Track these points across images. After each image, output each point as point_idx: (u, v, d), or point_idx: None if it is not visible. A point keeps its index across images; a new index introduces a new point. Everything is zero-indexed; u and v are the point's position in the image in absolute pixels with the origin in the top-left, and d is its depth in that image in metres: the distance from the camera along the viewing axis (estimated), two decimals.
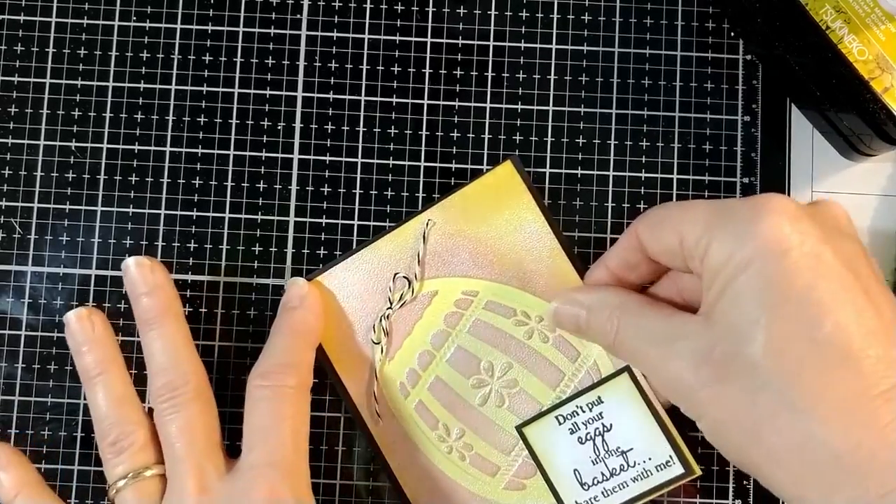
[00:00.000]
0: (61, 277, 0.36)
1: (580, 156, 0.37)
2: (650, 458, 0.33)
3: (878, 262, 0.29)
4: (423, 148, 0.37)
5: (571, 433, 0.33)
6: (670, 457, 0.32)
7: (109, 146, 0.37)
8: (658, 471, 0.32)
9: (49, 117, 0.37)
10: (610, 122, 0.37)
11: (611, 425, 0.33)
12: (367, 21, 0.38)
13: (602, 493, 0.33)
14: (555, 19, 0.38)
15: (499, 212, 0.35)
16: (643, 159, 0.37)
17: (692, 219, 0.28)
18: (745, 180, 0.37)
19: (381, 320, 0.35)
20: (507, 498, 0.34)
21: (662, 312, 0.30)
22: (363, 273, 0.35)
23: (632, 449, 0.33)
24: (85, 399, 0.36)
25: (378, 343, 0.35)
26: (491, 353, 0.35)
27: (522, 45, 0.38)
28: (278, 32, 0.38)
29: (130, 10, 0.38)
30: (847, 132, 0.35)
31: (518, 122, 0.37)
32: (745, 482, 0.36)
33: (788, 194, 0.37)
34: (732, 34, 0.38)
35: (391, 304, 0.35)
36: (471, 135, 0.37)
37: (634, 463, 0.33)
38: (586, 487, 0.33)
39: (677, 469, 0.32)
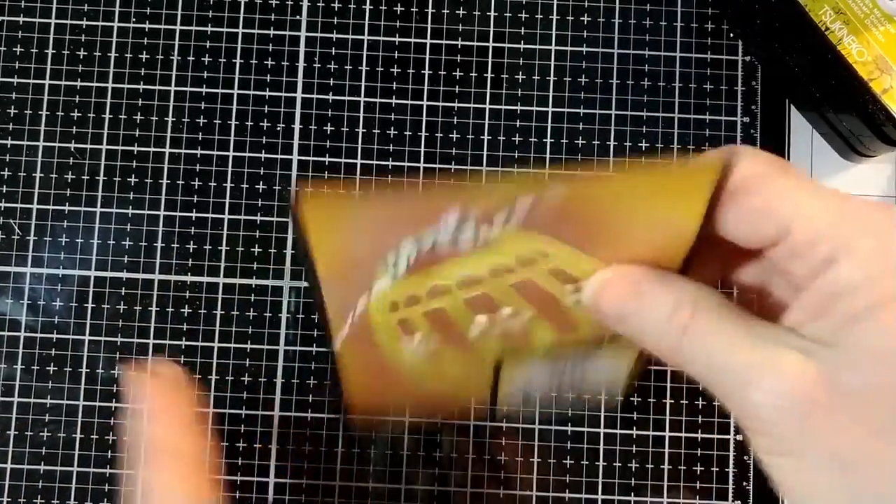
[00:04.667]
0: (60, 279, 0.36)
1: (580, 156, 0.37)
2: (600, 381, 0.30)
3: None
4: (422, 148, 0.37)
5: (546, 366, 0.29)
6: (619, 383, 0.30)
7: (109, 147, 0.37)
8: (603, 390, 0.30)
9: (48, 118, 0.37)
10: (609, 123, 0.37)
11: (586, 363, 0.29)
12: (367, 22, 0.38)
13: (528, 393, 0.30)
14: (554, 20, 0.38)
15: (655, 201, 0.26)
16: (643, 160, 0.37)
17: (813, 210, 0.23)
18: None
19: (412, 247, 0.26)
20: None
21: (750, 317, 0.24)
22: (407, 201, 0.26)
23: (589, 373, 0.29)
24: (84, 400, 0.35)
25: (394, 267, 0.26)
26: (521, 306, 0.27)
27: (522, 46, 0.38)
28: (277, 33, 0.38)
29: (130, 12, 0.38)
30: (846, 133, 0.36)
31: (518, 123, 0.37)
32: (744, 483, 0.36)
33: None
34: (731, 35, 0.38)
35: (437, 234, 0.26)
36: (470, 135, 0.37)
37: (584, 379, 0.30)
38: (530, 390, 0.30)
39: (616, 394, 0.30)
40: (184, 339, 0.36)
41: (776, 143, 0.37)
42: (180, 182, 0.37)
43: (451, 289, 0.27)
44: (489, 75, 0.38)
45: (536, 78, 0.37)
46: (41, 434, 0.36)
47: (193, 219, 0.37)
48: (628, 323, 0.25)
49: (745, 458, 0.36)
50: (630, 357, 0.29)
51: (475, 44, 0.38)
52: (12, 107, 0.37)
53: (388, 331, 0.28)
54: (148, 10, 0.38)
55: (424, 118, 0.37)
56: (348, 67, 0.38)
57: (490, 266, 0.26)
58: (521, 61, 0.38)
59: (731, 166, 0.24)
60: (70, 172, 0.37)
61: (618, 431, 0.36)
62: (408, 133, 0.37)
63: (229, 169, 0.37)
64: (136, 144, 0.37)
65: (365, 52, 0.38)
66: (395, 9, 0.38)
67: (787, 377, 0.22)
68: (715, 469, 0.36)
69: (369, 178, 0.25)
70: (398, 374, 0.28)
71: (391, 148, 0.37)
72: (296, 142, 0.37)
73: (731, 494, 0.36)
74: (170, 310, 0.36)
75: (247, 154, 0.37)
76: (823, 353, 0.22)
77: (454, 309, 0.27)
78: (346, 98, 0.37)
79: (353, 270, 0.27)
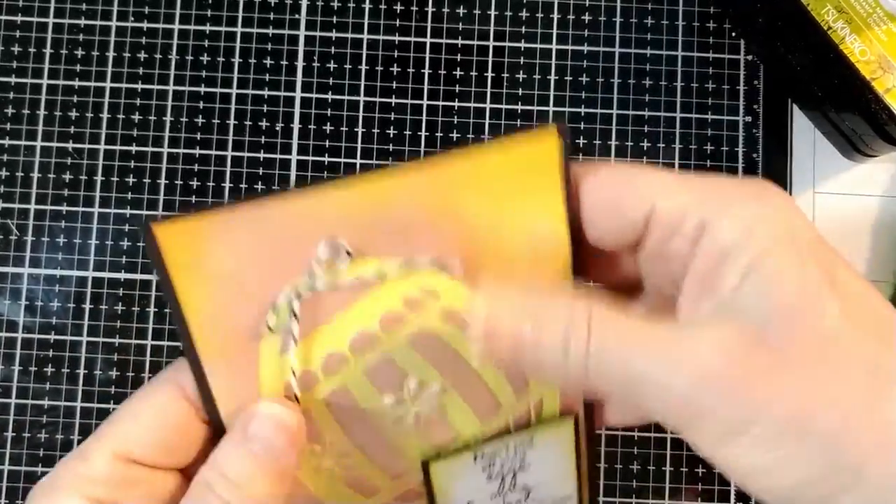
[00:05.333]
0: (58, 279, 0.36)
1: (580, 157, 0.37)
2: (551, 496, 0.28)
3: (880, 261, 0.29)
4: (422, 148, 0.37)
5: (484, 470, 0.27)
6: (571, 493, 0.28)
7: (107, 147, 0.37)
8: None
9: (46, 118, 0.37)
10: (610, 123, 0.37)
11: (528, 464, 0.27)
12: (366, 21, 0.38)
13: None
14: (555, 19, 0.38)
15: (515, 199, 0.25)
16: (644, 160, 0.37)
17: (674, 189, 0.23)
18: None
19: (292, 299, 0.24)
20: None
21: (639, 313, 0.23)
22: (276, 229, 0.24)
23: (538, 485, 0.28)
24: (82, 401, 0.35)
25: (274, 332, 0.24)
26: (427, 372, 0.25)
27: (522, 45, 0.37)
28: (276, 32, 0.37)
29: (128, 11, 0.37)
30: (849, 133, 0.35)
31: (518, 123, 0.37)
32: None
33: (790, 195, 0.37)
34: (734, 34, 0.38)
35: (313, 276, 0.23)
36: (471, 135, 0.37)
37: (534, 499, 0.28)
38: None
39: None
40: None
41: (778, 142, 0.37)
42: (178, 182, 0.37)
43: (346, 357, 0.25)
44: (489, 75, 0.37)
45: (537, 77, 0.37)
46: (39, 435, 0.36)
47: None
48: (525, 357, 0.22)
49: None
50: (569, 435, 0.28)
51: (475, 43, 0.38)
52: (10, 106, 0.37)
53: None
54: (146, 10, 0.37)
55: (424, 118, 0.37)
56: (348, 67, 0.37)
57: (379, 314, 0.25)
58: (521, 60, 0.37)
59: (566, 129, 0.24)
60: (68, 172, 0.37)
61: (619, 433, 0.36)
62: (408, 133, 0.37)
63: (228, 169, 0.37)
64: (134, 144, 0.37)
65: (364, 52, 0.37)
66: (394, 8, 0.38)
67: (711, 352, 0.20)
68: (717, 470, 0.36)
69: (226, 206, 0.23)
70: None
71: (391, 147, 0.37)
72: (295, 141, 0.37)
73: (733, 496, 0.35)
74: (168, 311, 0.36)
75: (245, 154, 0.37)
76: (734, 320, 0.21)
77: (357, 387, 0.25)
78: (346, 97, 0.37)
79: (234, 333, 0.24)
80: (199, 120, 0.37)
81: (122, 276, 0.36)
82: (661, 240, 0.23)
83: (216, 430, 0.24)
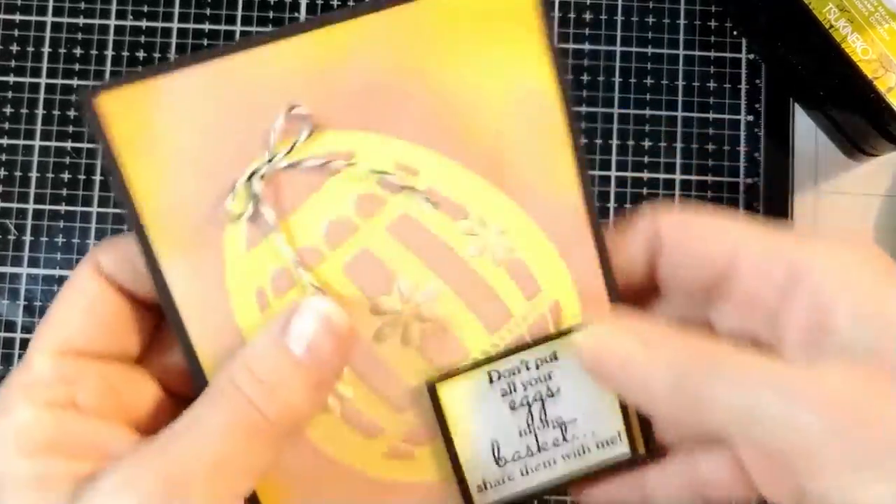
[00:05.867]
0: (57, 279, 0.36)
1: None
2: (593, 433, 0.24)
3: None
4: None
5: (503, 395, 0.24)
6: (618, 433, 0.24)
7: (102, 148, 0.37)
8: (598, 448, 0.24)
9: (45, 117, 0.37)
10: (612, 122, 0.37)
11: (558, 389, 0.24)
12: None
13: (521, 470, 0.24)
14: (556, 18, 0.37)
15: (486, 50, 0.22)
16: (645, 159, 0.37)
17: (759, 236, 0.22)
18: (749, 180, 0.37)
19: (251, 178, 0.21)
20: (384, 469, 0.23)
21: (761, 352, 0.22)
22: (225, 94, 0.21)
23: (574, 420, 0.24)
24: None
25: (239, 215, 0.21)
26: (414, 269, 0.22)
27: None
28: None
29: (127, 10, 0.37)
30: (851, 132, 0.35)
31: None
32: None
33: (792, 195, 0.37)
34: (735, 33, 0.38)
35: (272, 155, 0.21)
36: None
37: (573, 437, 0.24)
38: (502, 463, 0.24)
39: (621, 447, 0.24)
40: None
41: (780, 141, 0.37)
42: None
43: (322, 252, 0.22)
44: None
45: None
46: None
47: None
48: (634, 381, 0.22)
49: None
50: None
51: None
52: (8, 105, 0.37)
53: None
54: (145, 8, 0.37)
55: None
56: None
57: (354, 193, 0.22)
58: None
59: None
60: (66, 172, 0.36)
61: None
62: None
63: None
64: None
65: None
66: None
67: (843, 385, 0.20)
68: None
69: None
70: (310, 448, 0.23)
71: None
72: None
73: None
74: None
75: None
76: (856, 359, 0.20)
77: (339, 287, 0.22)
78: None
79: (188, 223, 0.21)
80: None
81: None
82: (745, 285, 0.22)
83: (176, 326, 0.22)
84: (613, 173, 0.37)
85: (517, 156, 0.22)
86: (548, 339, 0.23)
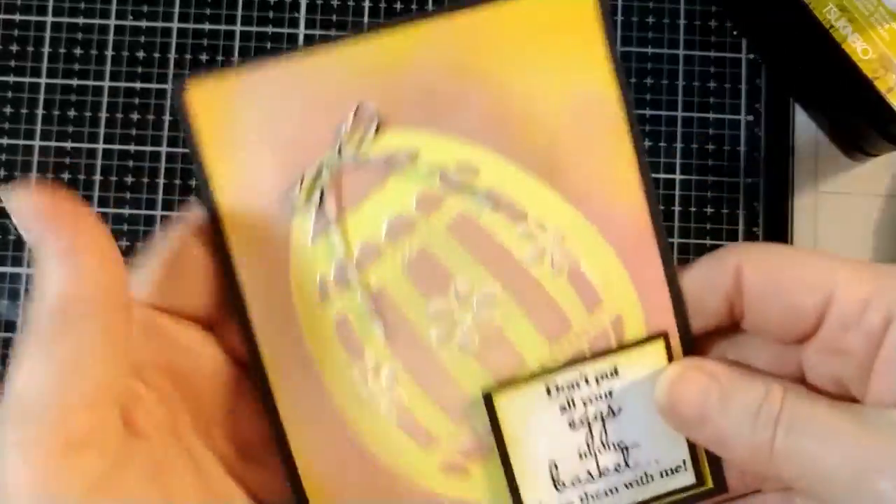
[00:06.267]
0: None
1: None
2: (657, 461, 0.23)
3: (882, 261, 0.29)
4: None
5: (563, 412, 0.23)
6: (683, 462, 0.23)
7: (105, 146, 0.37)
8: (662, 477, 0.23)
9: (45, 117, 0.37)
10: None
11: (619, 409, 0.23)
12: (366, 20, 0.37)
13: (581, 498, 0.23)
14: None
15: (547, 54, 0.22)
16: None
17: (853, 277, 0.21)
18: (749, 181, 0.37)
19: (319, 173, 0.22)
20: (438, 483, 0.23)
21: (843, 402, 0.21)
22: (300, 92, 0.22)
23: (638, 445, 0.23)
24: None
25: (305, 207, 0.22)
26: (472, 270, 0.22)
27: None
28: (276, 31, 0.37)
29: (127, 10, 0.37)
30: (851, 132, 0.35)
31: None
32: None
33: (793, 195, 0.37)
34: (735, 33, 0.38)
35: (341, 149, 0.22)
36: None
37: (636, 464, 0.23)
38: (560, 487, 0.23)
39: (686, 478, 0.23)
40: None
41: (780, 141, 0.37)
42: (178, 181, 0.36)
43: (381, 249, 0.22)
44: None
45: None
46: None
47: None
48: (709, 424, 0.21)
49: None
50: (662, 362, 0.23)
51: None
52: (8, 105, 0.37)
53: (324, 341, 0.22)
54: (145, 8, 0.37)
55: None
56: None
57: (416, 190, 0.22)
58: None
59: None
60: (66, 172, 0.36)
61: None
62: None
63: None
64: (132, 143, 0.37)
65: None
66: (394, 6, 0.37)
67: None
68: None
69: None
70: (362, 445, 0.22)
71: None
72: None
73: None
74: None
75: None
76: None
77: (398, 288, 0.22)
78: None
79: (255, 214, 0.22)
80: None
81: None
82: (833, 332, 0.21)
83: (239, 313, 0.22)
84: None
85: (577, 161, 0.22)
86: (609, 352, 0.23)
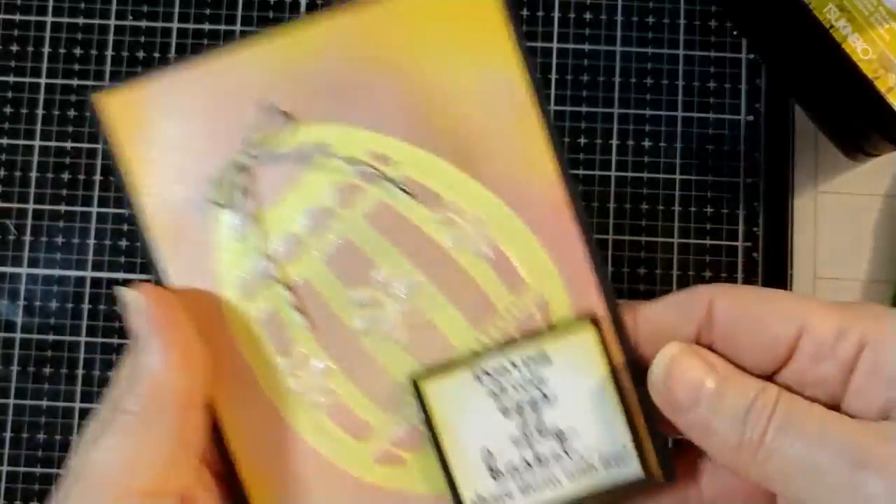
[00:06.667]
0: (56, 279, 0.36)
1: (581, 156, 0.37)
2: (597, 450, 0.23)
3: (882, 261, 0.29)
4: None
5: (493, 398, 0.23)
6: (623, 447, 0.23)
7: (105, 146, 0.36)
8: (605, 468, 0.23)
9: (44, 117, 0.37)
10: (612, 122, 0.37)
11: (554, 396, 0.23)
12: None
13: (519, 488, 0.23)
14: (556, 18, 0.37)
15: (453, 43, 0.22)
16: (645, 159, 0.37)
17: (824, 309, 0.21)
18: (749, 181, 0.37)
19: (232, 173, 0.22)
20: (375, 474, 0.23)
21: (826, 409, 0.21)
22: (209, 93, 0.22)
23: (575, 433, 0.23)
24: (80, 402, 0.35)
25: (223, 206, 0.22)
26: (394, 259, 0.22)
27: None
28: None
29: (127, 10, 0.37)
30: (851, 132, 0.35)
31: None
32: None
33: (792, 195, 0.37)
34: (735, 33, 0.38)
35: (252, 147, 0.22)
36: None
37: (574, 452, 0.23)
38: (497, 477, 0.23)
39: (632, 467, 0.23)
40: None
41: (780, 141, 0.37)
42: None
43: (304, 242, 0.22)
44: None
45: (538, 76, 0.37)
46: (37, 436, 0.35)
47: None
48: (699, 410, 0.21)
49: None
50: (593, 347, 0.23)
51: None
52: (8, 105, 0.37)
53: (253, 338, 0.22)
54: (145, 8, 0.37)
55: None
56: None
57: (332, 183, 0.22)
58: None
59: None
60: (66, 172, 0.36)
61: None
62: None
63: None
64: None
65: None
66: None
67: None
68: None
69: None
70: (298, 442, 0.23)
71: None
72: None
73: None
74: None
75: None
76: None
77: (321, 280, 0.22)
78: None
79: (175, 216, 0.22)
80: None
81: (121, 275, 0.36)
82: (805, 363, 0.21)
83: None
84: (613, 173, 0.37)
85: (489, 145, 0.22)
86: (537, 336, 0.23)
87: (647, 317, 0.23)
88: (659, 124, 0.37)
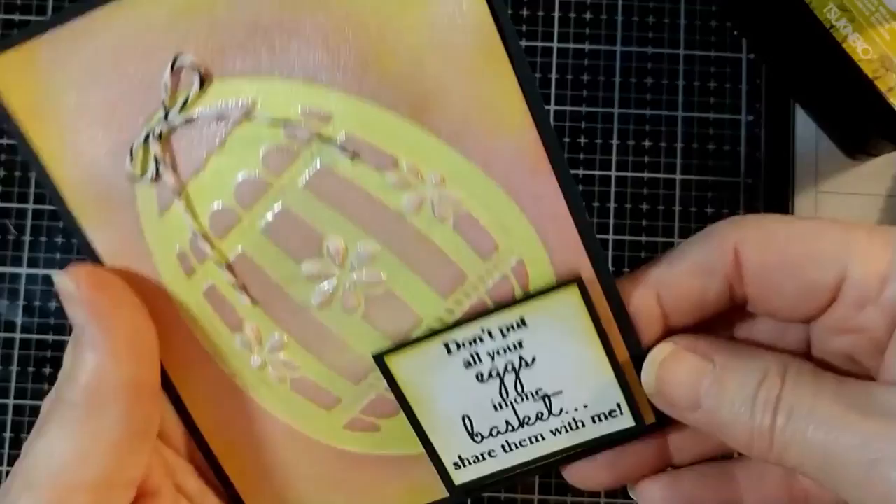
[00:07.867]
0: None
1: (582, 156, 0.37)
2: (586, 406, 0.21)
3: None
4: None
5: (468, 367, 0.21)
6: (618, 405, 0.21)
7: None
8: (595, 422, 0.21)
9: None
10: (612, 122, 0.37)
11: (532, 359, 0.21)
12: None
13: (503, 446, 0.22)
14: (556, 17, 0.37)
15: None
16: (646, 159, 0.37)
17: (868, 249, 0.19)
18: (749, 180, 0.37)
19: (147, 138, 0.19)
20: (348, 441, 0.22)
21: (850, 381, 0.19)
22: (111, 46, 0.19)
23: (560, 392, 0.21)
24: None
25: (142, 175, 0.20)
26: (343, 228, 0.20)
27: (524, 43, 0.37)
28: None
29: None
30: (851, 132, 0.35)
31: None
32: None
33: (792, 195, 0.37)
34: (735, 33, 0.38)
35: (167, 110, 0.19)
36: None
37: (560, 411, 0.21)
38: (479, 439, 0.22)
39: (624, 421, 0.21)
40: None
41: (780, 141, 0.37)
42: None
43: (236, 213, 0.20)
44: None
45: (538, 75, 0.37)
46: None
47: None
48: (702, 409, 0.20)
49: None
50: (578, 311, 0.21)
51: None
52: None
53: (201, 316, 0.21)
54: None
55: None
56: None
57: (260, 147, 0.19)
58: None
59: None
60: None
61: None
62: None
63: None
64: None
65: None
66: None
67: None
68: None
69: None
70: (263, 419, 0.21)
71: None
72: None
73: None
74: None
75: None
76: None
77: (260, 252, 0.20)
78: None
79: (94, 187, 0.20)
80: None
81: None
82: (848, 309, 0.19)
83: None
84: (613, 173, 0.37)
85: (447, 91, 0.19)
86: (514, 303, 0.21)
87: (669, 286, 0.21)
88: (659, 124, 0.37)
